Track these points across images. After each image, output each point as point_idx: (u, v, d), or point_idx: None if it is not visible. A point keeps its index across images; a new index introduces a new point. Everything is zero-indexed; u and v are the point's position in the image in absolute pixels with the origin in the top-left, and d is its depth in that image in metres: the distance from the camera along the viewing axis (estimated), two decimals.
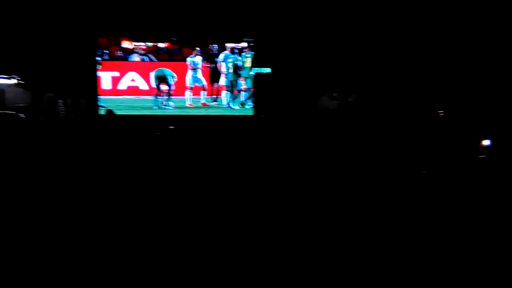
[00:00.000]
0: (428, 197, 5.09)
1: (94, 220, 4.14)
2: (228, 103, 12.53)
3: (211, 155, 7.38)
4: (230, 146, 8.20)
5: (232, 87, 12.51)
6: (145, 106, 12.24)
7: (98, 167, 6.13)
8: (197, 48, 12.26)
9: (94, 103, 12.22)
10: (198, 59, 12.31)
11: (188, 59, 12.27)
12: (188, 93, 12.34)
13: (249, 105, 12.69)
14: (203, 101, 12.45)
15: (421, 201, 4.92)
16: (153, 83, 12.23)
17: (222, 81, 12.44)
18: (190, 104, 12.35)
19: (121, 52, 12.10)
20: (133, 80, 12.21)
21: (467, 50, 11.11)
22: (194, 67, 12.27)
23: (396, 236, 3.85)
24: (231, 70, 12.39)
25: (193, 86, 12.34)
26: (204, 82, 12.37)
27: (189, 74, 12.31)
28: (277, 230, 3.96)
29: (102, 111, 12.06)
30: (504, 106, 9.74)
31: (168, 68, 12.25)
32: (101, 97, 12.30)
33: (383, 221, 4.24)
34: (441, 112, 9.73)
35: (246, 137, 9.42)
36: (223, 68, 12.36)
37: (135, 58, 12.14)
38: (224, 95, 12.52)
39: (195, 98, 12.39)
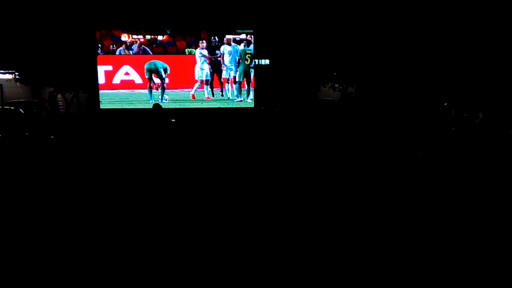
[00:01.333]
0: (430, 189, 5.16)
1: (98, 216, 4.15)
2: (236, 96, 12.47)
3: (213, 147, 7.40)
4: (231, 139, 8.23)
5: (247, 79, 12.40)
6: (140, 99, 12.12)
7: (106, 163, 6.16)
8: (204, 41, 12.07)
9: (95, 98, 12.16)
10: (205, 52, 12.12)
11: (197, 51, 12.07)
12: (196, 86, 12.21)
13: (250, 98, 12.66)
14: (207, 95, 12.34)
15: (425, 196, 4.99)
16: (145, 76, 12.08)
17: (224, 73, 12.36)
18: (193, 96, 12.30)
19: (115, 46, 11.93)
20: (127, 74, 12.07)
21: (466, 41, 11.15)
22: (203, 60, 12.11)
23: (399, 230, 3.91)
24: (247, 62, 12.26)
25: (203, 79, 12.18)
26: (209, 76, 12.25)
27: (198, 67, 12.13)
28: (278, 224, 3.99)
29: (108, 106, 12.04)
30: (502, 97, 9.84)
31: (163, 61, 12.10)
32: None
33: (385, 213, 4.30)
34: (445, 103, 9.82)
35: (246, 129, 9.46)
36: (227, 59, 12.21)
37: (130, 51, 12.01)
38: (233, 88, 12.41)
39: (200, 91, 12.28)
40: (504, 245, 3.49)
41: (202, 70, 12.17)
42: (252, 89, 12.50)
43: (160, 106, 8.11)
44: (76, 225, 3.93)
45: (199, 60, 12.13)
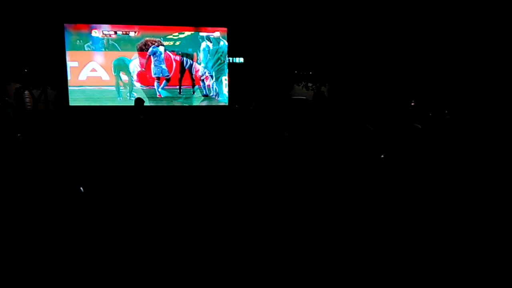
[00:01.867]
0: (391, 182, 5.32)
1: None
2: (214, 94, 12.47)
3: (187, 146, 7.36)
4: (205, 137, 8.20)
5: (217, 77, 12.42)
6: (107, 97, 11.89)
7: (77, 161, 6.02)
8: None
9: (64, 94, 11.83)
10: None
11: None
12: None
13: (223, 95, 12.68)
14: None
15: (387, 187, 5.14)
16: (113, 73, 11.88)
17: (201, 71, 12.30)
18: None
19: (81, 41, 11.64)
20: (94, 70, 11.80)
21: (438, 40, 11.53)
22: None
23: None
24: (220, 61, 12.32)
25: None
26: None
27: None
28: (252, 221, 4.04)
29: (75, 103, 11.75)
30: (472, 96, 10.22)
31: (131, 58, 11.91)
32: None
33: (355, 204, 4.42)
34: (412, 102, 10.11)
35: (221, 127, 9.44)
36: (202, 57, 12.19)
37: (97, 47, 11.76)
38: (210, 86, 12.43)
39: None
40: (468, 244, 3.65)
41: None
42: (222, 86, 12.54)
43: (143, 101, 7.93)
44: (42, 226, 3.85)
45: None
